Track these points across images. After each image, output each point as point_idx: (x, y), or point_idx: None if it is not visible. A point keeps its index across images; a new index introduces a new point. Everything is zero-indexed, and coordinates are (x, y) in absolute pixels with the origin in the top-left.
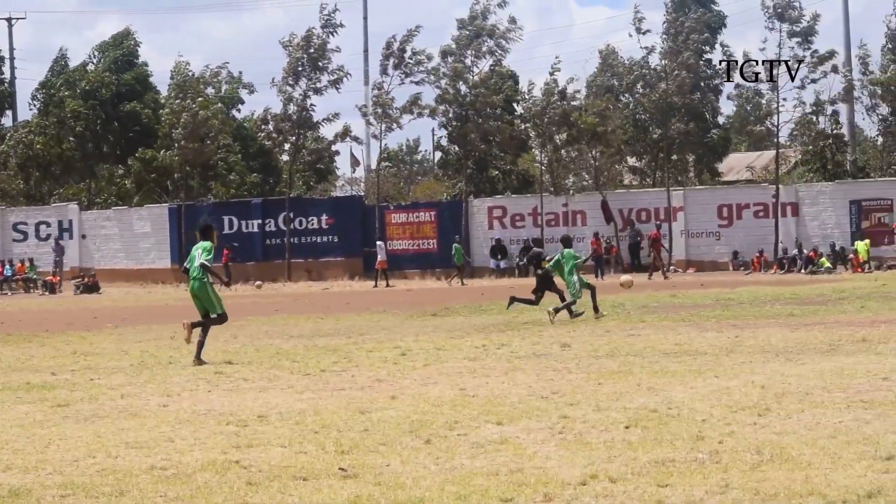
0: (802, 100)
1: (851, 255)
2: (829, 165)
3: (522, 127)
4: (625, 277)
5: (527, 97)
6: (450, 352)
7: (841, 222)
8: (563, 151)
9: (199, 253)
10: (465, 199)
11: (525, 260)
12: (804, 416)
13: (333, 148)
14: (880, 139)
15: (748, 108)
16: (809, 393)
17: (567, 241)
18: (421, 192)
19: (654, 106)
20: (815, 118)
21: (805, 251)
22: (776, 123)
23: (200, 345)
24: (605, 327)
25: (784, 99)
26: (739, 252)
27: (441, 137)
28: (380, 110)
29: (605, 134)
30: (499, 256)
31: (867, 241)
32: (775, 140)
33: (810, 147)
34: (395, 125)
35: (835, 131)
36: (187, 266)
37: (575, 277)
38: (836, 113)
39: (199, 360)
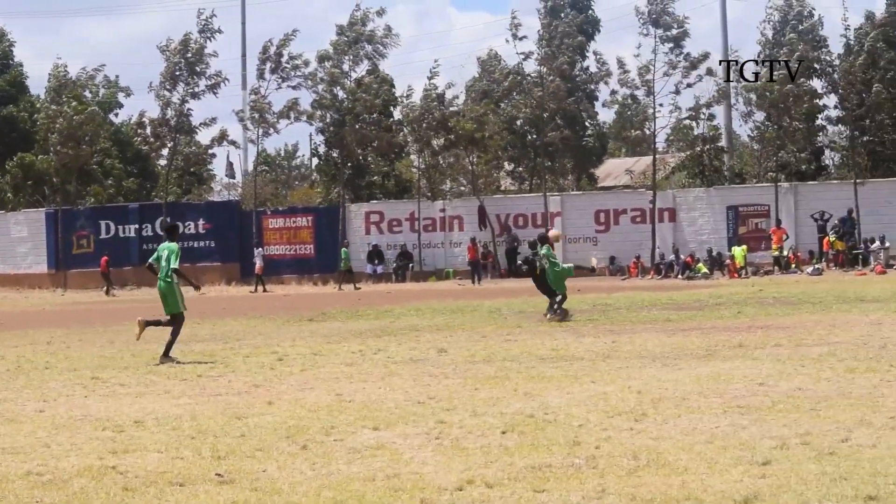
0: (678, 105)
1: (728, 261)
2: (706, 171)
3: (400, 132)
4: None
5: (405, 102)
6: (326, 357)
7: (718, 228)
8: (440, 157)
9: (167, 255)
10: (343, 204)
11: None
12: (681, 421)
13: (210, 152)
14: (756, 145)
15: (627, 113)
16: (686, 398)
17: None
18: (298, 197)
19: (530, 112)
20: (692, 123)
21: (682, 256)
22: (653, 129)
23: (169, 345)
24: (481, 332)
25: (660, 104)
26: (616, 257)
27: (318, 143)
28: (257, 115)
29: (482, 139)
30: (375, 262)
31: (744, 246)
32: (652, 145)
33: (688, 152)
34: (272, 130)
35: (712, 135)
36: (153, 264)
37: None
38: (712, 117)
39: (167, 358)
